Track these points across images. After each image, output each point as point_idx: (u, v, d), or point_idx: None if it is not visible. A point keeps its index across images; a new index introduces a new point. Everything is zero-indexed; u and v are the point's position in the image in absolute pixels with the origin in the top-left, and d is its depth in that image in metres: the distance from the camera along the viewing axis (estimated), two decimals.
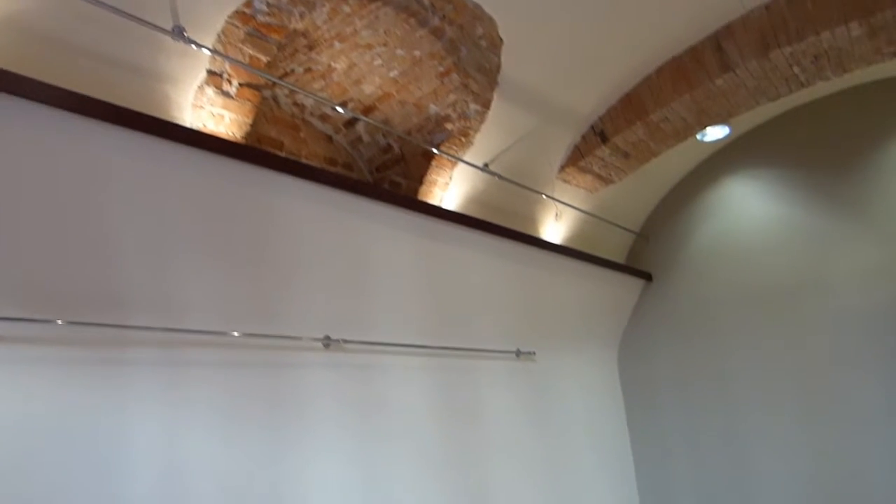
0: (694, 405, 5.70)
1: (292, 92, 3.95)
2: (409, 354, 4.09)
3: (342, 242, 3.60)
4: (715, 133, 5.40)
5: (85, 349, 2.65)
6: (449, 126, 4.11)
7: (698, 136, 5.36)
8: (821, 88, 5.21)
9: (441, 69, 3.86)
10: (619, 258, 6.17)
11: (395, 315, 4.02)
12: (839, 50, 4.25)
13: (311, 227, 3.40)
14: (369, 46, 3.68)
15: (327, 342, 3.57)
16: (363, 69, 3.86)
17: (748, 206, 5.68)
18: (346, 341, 3.65)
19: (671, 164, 5.76)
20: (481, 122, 4.19)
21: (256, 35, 3.03)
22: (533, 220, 5.02)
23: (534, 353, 5.08)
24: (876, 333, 4.85)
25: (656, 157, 5.17)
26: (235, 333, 3.10)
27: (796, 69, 4.40)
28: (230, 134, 3.09)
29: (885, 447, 4.73)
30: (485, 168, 4.36)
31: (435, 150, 4.02)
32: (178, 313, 2.95)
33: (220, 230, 3.00)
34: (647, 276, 6.08)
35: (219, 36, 2.91)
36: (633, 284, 6.05)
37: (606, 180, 5.29)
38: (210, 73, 2.94)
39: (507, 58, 3.98)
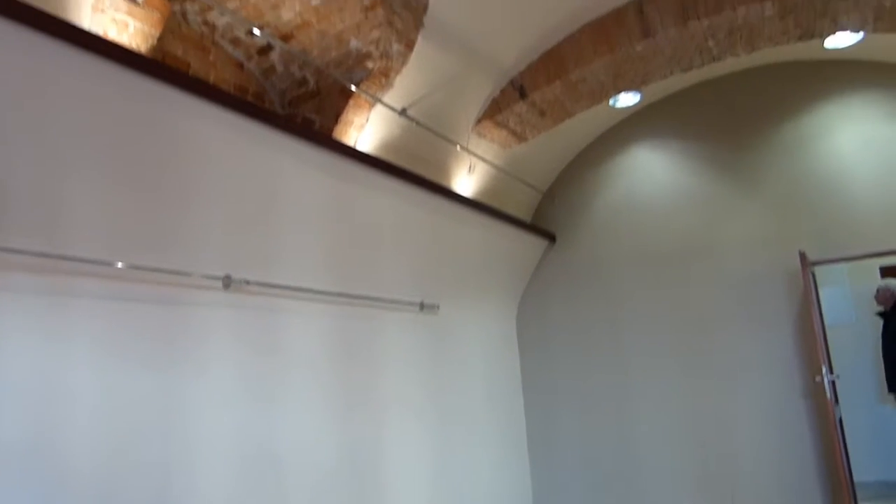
0: (586, 360, 5.95)
1: (203, 8, 3.63)
2: (312, 300, 3.96)
3: (249, 175, 3.39)
4: (626, 99, 5.52)
5: None
6: (370, 64, 3.93)
7: (610, 102, 5.46)
8: (728, 65, 5.42)
9: (366, 2, 3.66)
10: (526, 216, 6.24)
11: (300, 257, 3.86)
12: (751, 27, 4.41)
13: (217, 154, 3.17)
14: None
15: (228, 282, 3.37)
16: None
17: (651, 173, 5.89)
18: (247, 282, 3.47)
19: (581, 127, 5.84)
20: (403, 63, 4.03)
21: None
22: (446, 171, 4.96)
23: (438, 307, 5.07)
24: (753, 295, 5.34)
25: (571, 117, 5.22)
26: (119, 265, 2.84)
27: (711, 42, 4.54)
28: (133, 44, 2.79)
29: (753, 397, 5.21)
30: (403, 112, 4.22)
31: (354, 88, 3.84)
32: (62, 237, 2.67)
33: (114, 148, 2.73)
34: (552, 237, 6.20)
35: None
36: (538, 243, 6.15)
37: (520, 137, 5.30)
38: None
39: None
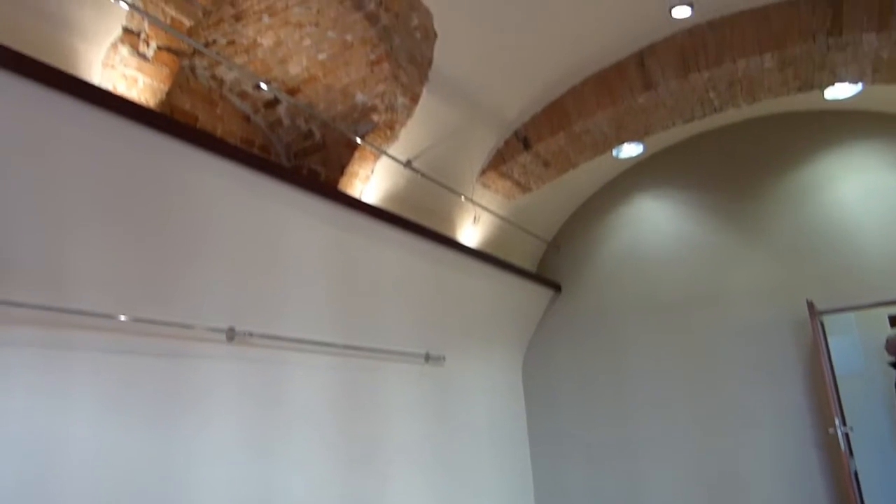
0: (592, 411, 5.84)
1: (212, 63, 3.70)
2: (317, 352, 3.92)
3: (255, 227, 3.39)
4: (629, 150, 5.57)
5: None
6: (375, 117, 3.98)
7: (614, 153, 5.50)
8: (729, 116, 5.47)
9: (372, 57, 3.73)
10: (531, 265, 6.22)
11: (305, 309, 3.83)
12: (751, 79, 4.47)
13: (222, 207, 3.18)
14: (300, 25, 3.50)
15: (231, 334, 3.34)
16: (290, 48, 3.67)
17: (655, 223, 5.89)
18: (251, 334, 3.43)
19: (585, 178, 5.87)
20: (408, 116, 4.09)
21: None
22: (451, 222, 4.97)
23: (443, 358, 5.01)
24: (761, 345, 5.27)
25: (574, 168, 5.25)
26: (123, 318, 2.81)
27: (712, 93, 4.59)
28: (142, 99, 2.83)
29: (763, 449, 5.09)
30: (408, 164, 4.25)
31: (359, 141, 3.88)
32: (65, 290, 2.65)
33: (119, 200, 2.73)
34: (557, 287, 6.17)
35: None
36: (543, 293, 6.11)
37: (524, 187, 5.32)
38: (126, 30, 2.68)
39: (439, 53, 3.91)
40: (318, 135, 4.15)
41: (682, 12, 4.09)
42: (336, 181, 4.04)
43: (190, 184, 2.99)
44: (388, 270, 4.37)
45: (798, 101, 5.23)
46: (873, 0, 3.90)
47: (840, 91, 4.82)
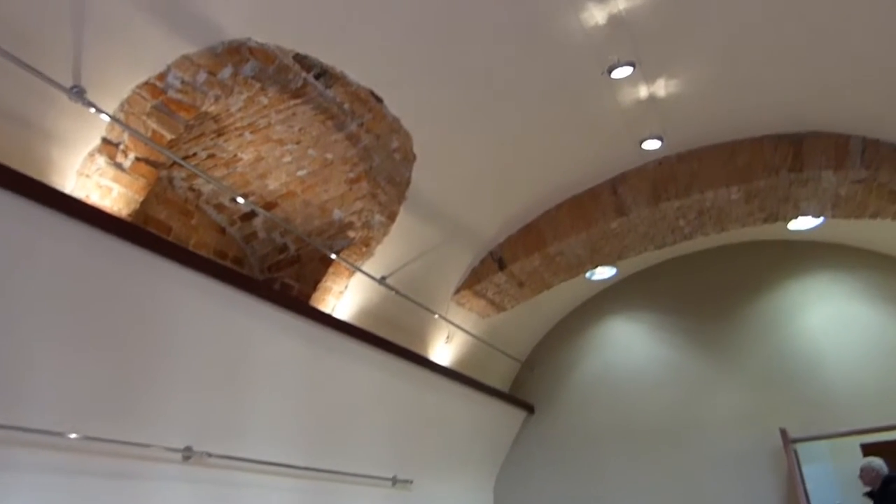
0: None
1: (190, 175, 3.72)
2: (278, 474, 3.69)
3: (221, 340, 3.28)
4: (603, 273, 5.63)
5: None
6: (351, 234, 3.99)
7: (587, 275, 5.55)
8: (700, 243, 5.61)
9: (351, 175, 3.79)
10: (504, 386, 6.10)
11: (269, 428, 3.65)
12: (720, 209, 4.61)
13: (188, 319, 3.08)
14: (281, 142, 3.57)
15: (188, 454, 3.15)
16: (270, 164, 3.71)
17: (628, 346, 5.86)
18: (209, 454, 3.23)
19: (559, 299, 5.88)
20: (384, 233, 4.11)
21: (164, 111, 2.84)
22: (424, 339, 4.89)
23: (411, 482, 4.77)
24: (736, 473, 5.12)
25: (549, 289, 5.27)
26: (73, 436, 2.64)
27: (682, 221, 4.72)
28: (116, 209, 2.80)
29: None
30: (382, 281, 4.23)
31: (334, 257, 3.86)
32: (9, 404, 2.48)
33: (80, 311, 2.63)
34: (530, 408, 6.03)
35: (122, 104, 2.70)
36: (516, 414, 5.96)
37: (499, 307, 5.30)
38: (105, 141, 2.69)
39: (418, 173, 3.99)
40: (293, 249, 4.13)
41: (652, 145, 4.26)
42: (309, 296, 3.98)
43: (156, 295, 2.91)
44: (357, 388, 4.23)
45: (765, 231, 5.39)
46: (830, 141, 4.12)
47: (803, 223, 4.99)
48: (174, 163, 3.39)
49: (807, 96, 3.92)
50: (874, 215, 4.48)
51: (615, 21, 3.30)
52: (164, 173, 3.64)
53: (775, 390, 5.23)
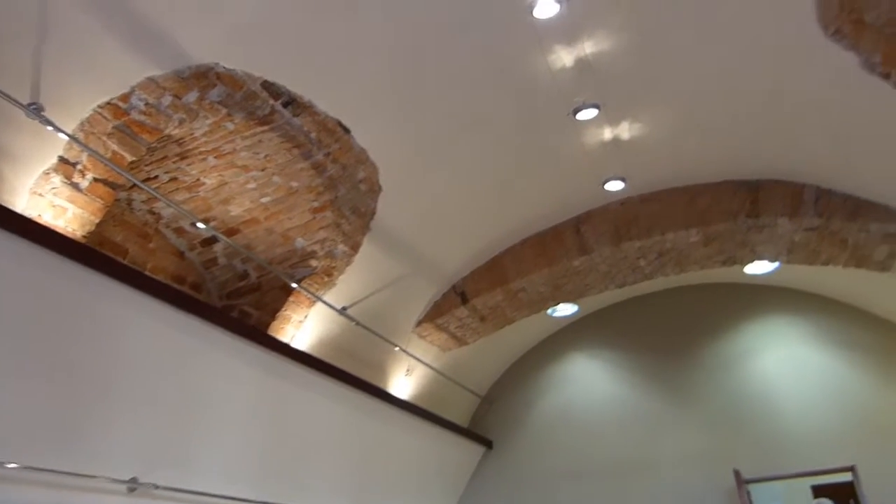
0: None
1: (150, 198, 3.65)
2: None
3: (174, 367, 3.19)
4: (564, 310, 5.66)
5: None
6: (314, 263, 3.96)
7: (549, 312, 5.57)
8: (660, 283, 5.68)
9: (316, 204, 3.76)
10: (463, 420, 6.04)
11: (221, 459, 3.55)
12: (679, 251, 4.69)
13: (141, 344, 3.00)
14: (246, 168, 3.54)
15: (134, 485, 3.03)
16: (234, 189, 3.67)
17: (588, 383, 5.88)
18: (156, 486, 3.12)
19: (521, 334, 5.89)
20: (347, 263, 4.08)
21: (126, 132, 2.80)
22: (384, 372, 4.83)
23: None
24: None
25: (511, 324, 5.28)
26: (11, 465, 2.52)
27: (643, 261, 4.78)
28: (70, 230, 2.73)
29: None
30: (343, 311, 4.18)
31: (295, 286, 3.82)
32: None
33: (24, 332, 2.53)
34: (489, 444, 5.98)
35: (82, 124, 2.65)
36: (475, 450, 5.90)
37: (460, 341, 5.28)
38: (62, 160, 2.63)
39: (383, 205, 3.98)
40: (253, 276, 4.07)
41: (615, 186, 4.33)
42: (267, 324, 3.92)
43: (107, 319, 2.83)
44: (313, 420, 4.15)
45: (723, 274, 5.49)
46: (786, 189, 4.24)
47: (760, 267, 5.10)
48: (135, 185, 3.33)
49: (765, 145, 4.04)
50: (826, 262, 4.61)
51: (582, 64, 3.37)
52: (122, 195, 3.57)
53: (730, 431, 5.29)
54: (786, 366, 5.36)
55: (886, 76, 2.98)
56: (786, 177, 4.25)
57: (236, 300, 4.10)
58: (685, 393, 5.53)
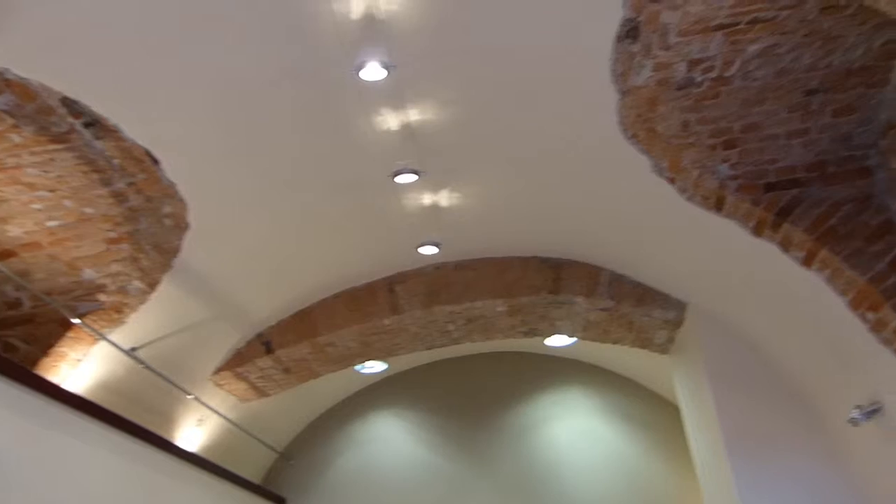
0: None
1: None
2: None
3: None
4: (373, 367, 5.65)
5: None
6: (102, 297, 3.63)
7: (357, 368, 5.53)
8: (467, 348, 5.87)
9: (112, 235, 3.47)
10: (257, 476, 5.75)
11: None
12: (486, 319, 4.89)
13: None
14: (32, 186, 3.19)
15: None
16: (15, 207, 3.29)
17: (391, 443, 5.87)
18: None
19: (327, 388, 5.77)
20: (142, 302, 3.79)
21: None
22: (173, 421, 4.49)
23: None
24: None
25: (316, 378, 5.16)
26: None
27: (451, 326, 4.92)
28: None
29: None
30: (131, 353, 3.86)
31: (76, 321, 3.47)
32: None
33: None
34: (281, 501, 5.72)
35: None
36: None
37: (261, 392, 5.07)
38: None
39: (189, 244, 3.77)
40: (27, 305, 3.64)
41: (429, 250, 4.45)
42: (36, 361, 3.51)
43: None
44: (85, 471, 3.71)
45: (526, 344, 5.80)
46: (585, 271, 4.59)
47: (559, 340, 5.45)
48: None
49: (568, 228, 4.37)
50: (616, 341, 5.03)
51: (406, 130, 3.46)
52: None
53: (524, 497, 5.50)
54: (577, 436, 5.71)
55: (672, 181, 3.37)
56: (585, 259, 4.61)
57: (3, 331, 3.64)
58: (485, 457, 5.69)
